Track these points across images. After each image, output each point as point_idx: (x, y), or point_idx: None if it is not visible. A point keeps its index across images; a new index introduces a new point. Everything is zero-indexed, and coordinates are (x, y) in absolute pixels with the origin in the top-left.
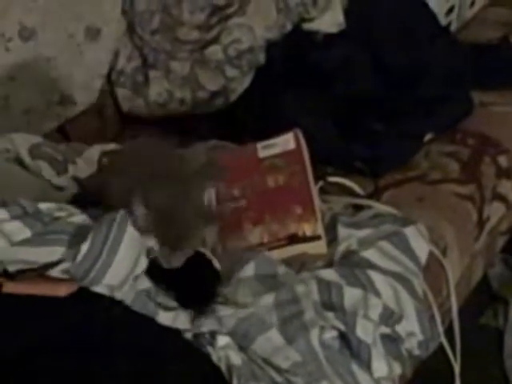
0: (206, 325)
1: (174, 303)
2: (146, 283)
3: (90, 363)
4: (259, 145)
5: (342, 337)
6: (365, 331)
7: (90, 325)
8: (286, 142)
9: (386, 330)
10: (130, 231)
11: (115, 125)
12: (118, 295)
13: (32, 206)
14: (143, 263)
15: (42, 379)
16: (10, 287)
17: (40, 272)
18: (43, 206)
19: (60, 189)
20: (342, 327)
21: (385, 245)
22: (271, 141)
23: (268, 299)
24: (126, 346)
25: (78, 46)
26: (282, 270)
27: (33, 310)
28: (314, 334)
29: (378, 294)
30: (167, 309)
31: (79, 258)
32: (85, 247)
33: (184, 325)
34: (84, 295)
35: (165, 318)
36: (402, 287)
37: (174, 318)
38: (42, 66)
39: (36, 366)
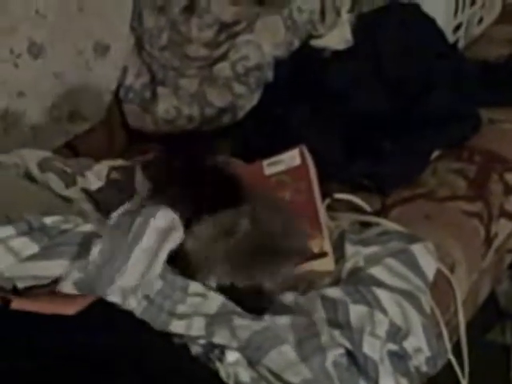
0: (219, 334)
1: (187, 309)
2: (158, 284)
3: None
4: (265, 162)
5: (349, 354)
6: (372, 348)
7: (97, 343)
8: (292, 158)
9: (393, 346)
10: (150, 231)
11: (123, 141)
12: (131, 303)
13: (37, 221)
14: (159, 264)
15: None
16: (19, 304)
17: (51, 288)
18: (48, 220)
19: (69, 200)
20: (349, 345)
21: (392, 262)
22: (277, 157)
23: (285, 319)
24: (133, 363)
25: (86, 62)
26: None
27: (42, 327)
28: (330, 357)
29: (384, 310)
30: (180, 317)
31: (89, 267)
32: (96, 252)
33: (198, 332)
34: (94, 311)
35: (178, 327)
36: (409, 304)
37: (187, 325)
38: (50, 82)
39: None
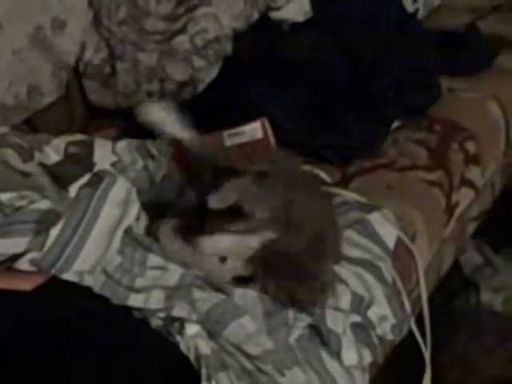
0: (179, 307)
1: (145, 283)
2: (117, 260)
3: (58, 357)
4: (225, 133)
5: (313, 326)
6: (335, 322)
7: (56, 319)
8: (253, 130)
9: (356, 318)
10: (107, 208)
11: (83, 116)
12: (89, 280)
13: None
14: (117, 241)
15: (14, 373)
16: None
17: (6, 265)
18: (3, 196)
19: (26, 175)
20: (312, 321)
21: (350, 233)
22: (238, 129)
23: (254, 292)
24: (93, 339)
25: (44, 38)
26: None
27: None
28: (295, 333)
29: (344, 282)
30: (138, 290)
31: (47, 245)
32: (55, 232)
33: (157, 304)
34: (51, 287)
35: (136, 301)
36: (370, 273)
37: (145, 299)
38: (8, 59)
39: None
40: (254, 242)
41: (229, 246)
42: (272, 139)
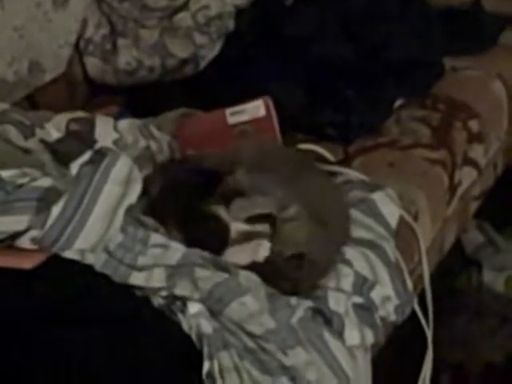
0: (180, 285)
1: (147, 261)
2: (119, 238)
3: (58, 335)
4: (228, 111)
5: (315, 308)
6: (337, 303)
7: (57, 297)
8: (256, 108)
9: (358, 299)
10: (110, 186)
11: (84, 93)
12: (90, 258)
13: None
14: (119, 219)
15: (14, 352)
16: None
17: (8, 243)
18: (4, 173)
19: (28, 152)
20: (314, 303)
21: (354, 213)
22: (240, 107)
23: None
24: (94, 318)
25: (45, 14)
26: None
27: None
28: (297, 314)
29: (348, 263)
30: (140, 269)
31: (49, 223)
32: (56, 210)
33: (159, 283)
34: (52, 265)
35: (138, 279)
36: (374, 253)
37: (147, 277)
38: (9, 35)
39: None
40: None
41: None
42: (275, 117)
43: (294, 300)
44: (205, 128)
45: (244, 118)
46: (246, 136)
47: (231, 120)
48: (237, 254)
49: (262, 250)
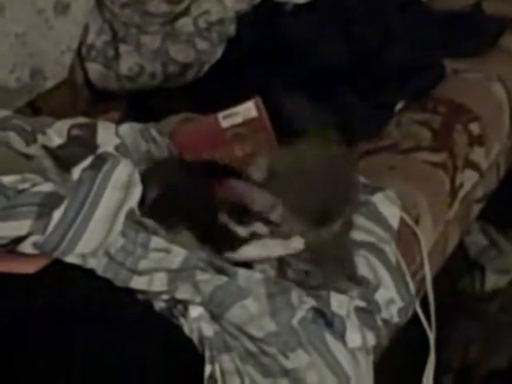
0: (182, 289)
1: (148, 265)
2: (119, 242)
3: (60, 339)
4: (220, 115)
5: (317, 309)
6: (339, 305)
7: (59, 301)
8: (248, 110)
9: (360, 303)
10: (110, 190)
11: (86, 99)
12: (92, 262)
13: None
14: (119, 223)
15: (16, 356)
16: None
17: (9, 248)
18: (6, 179)
19: (29, 158)
20: (316, 303)
21: (355, 217)
22: (232, 110)
23: (258, 274)
24: (95, 322)
25: (46, 21)
26: None
27: (1, 286)
28: (298, 314)
29: None
30: (141, 273)
31: (50, 228)
32: (57, 215)
33: (160, 287)
34: (53, 270)
35: (139, 283)
36: (375, 256)
37: (148, 281)
38: (11, 42)
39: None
40: (279, 249)
41: (255, 257)
42: (266, 117)
43: (295, 299)
44: (199, 133)
45: (237, 120)
46: (240, 138)
47: (224, 123)
48: (266, 248)
49: (295, 243)
